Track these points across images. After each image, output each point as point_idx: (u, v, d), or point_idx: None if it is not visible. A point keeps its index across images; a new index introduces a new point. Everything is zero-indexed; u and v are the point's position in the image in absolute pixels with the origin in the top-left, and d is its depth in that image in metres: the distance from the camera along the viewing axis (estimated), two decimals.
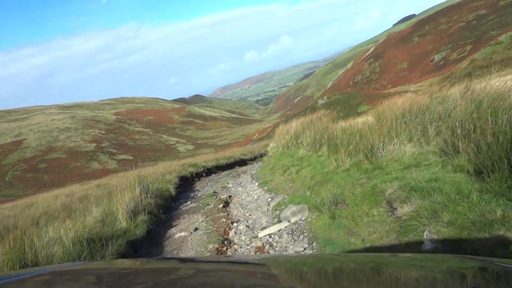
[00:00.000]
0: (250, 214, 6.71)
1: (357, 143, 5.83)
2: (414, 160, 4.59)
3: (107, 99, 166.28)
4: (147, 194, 7.47)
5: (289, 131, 12.54)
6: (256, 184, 9.73)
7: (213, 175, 16.13)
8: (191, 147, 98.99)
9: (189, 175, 14.52)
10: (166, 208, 8.65)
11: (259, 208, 6.90)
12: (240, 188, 10.35)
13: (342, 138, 6.77)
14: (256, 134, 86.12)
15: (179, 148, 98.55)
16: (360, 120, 11.21)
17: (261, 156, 21.10)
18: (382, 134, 5.36)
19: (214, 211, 7.27)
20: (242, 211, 7.08)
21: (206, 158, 19.48)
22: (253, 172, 14.51)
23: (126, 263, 2.41)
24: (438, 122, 5.25)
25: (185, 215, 7.73)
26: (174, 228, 6.77)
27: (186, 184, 13.38)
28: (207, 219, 6.62)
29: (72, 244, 4.17)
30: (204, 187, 12.89)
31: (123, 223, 5.49)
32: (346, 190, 4.82)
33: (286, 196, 6.55)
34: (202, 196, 10.16)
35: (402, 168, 4.50)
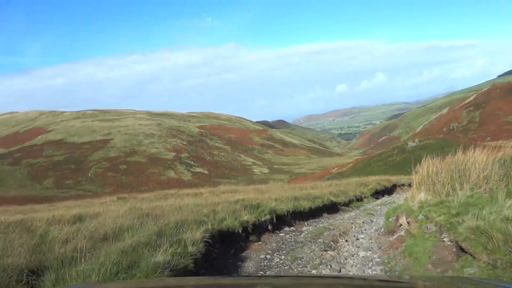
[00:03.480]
0: None
1: None
2: None
3: (194, 112, 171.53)
4: None
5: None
6: None
7: (286, 229, 9.56)
8: (266, 170, 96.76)
9: (238, 230, 7.49)
10: None
11: None
12: None
13: None
14: (335, 168, 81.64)
15: (255, 170, 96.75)
16: None
17: (358, 200, 16.29)
18: None
19: None
20: None
21: (280, 194, 12.34)
22: (365, 240, 8.05)
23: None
24: None
25: None
26: None
27: (227, 249, 6.97)
28: None
29: None
30: (262, 270, 6.23)
31: None
32: None
33: None
34: None
35: None
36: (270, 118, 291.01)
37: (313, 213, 11.66)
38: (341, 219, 11.47)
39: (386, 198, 19.22)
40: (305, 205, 11.19)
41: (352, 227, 9.78)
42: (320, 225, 10.39)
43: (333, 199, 13.70)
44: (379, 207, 14.53)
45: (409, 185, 25.70)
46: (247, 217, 8.09)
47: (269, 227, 9.04)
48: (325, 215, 12.34)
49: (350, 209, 14.47)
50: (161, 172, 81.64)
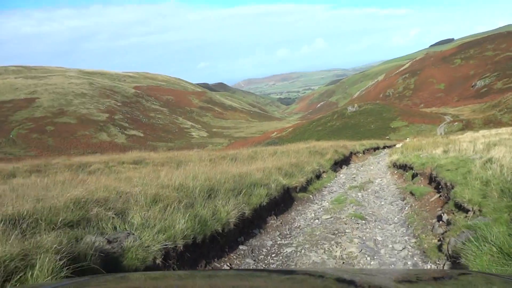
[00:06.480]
0: None
1: None
2: None
3: (130, 72, 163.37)
4: None
5: None
6: None
7: None
8: (205, 134, 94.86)
9: None
10: None
11: None
12: None
13: None
14: (275, 132, 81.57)
15: (193, 133, 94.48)
16: None
17: (317, 177, 11.84)
18: None
19: None
20: None
21: (190, 173, 6.63)
22: None
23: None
24: None
25: None
26: None
27: None
28: None
29: None
30: None
31: None
32: None
33: None
34: None
35: None
36: (210, 81, 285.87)
37: (248, 225, 6.02)
38: (307, 238, 5.91)
39: (346, 170, 15.36)
40: (228, 211, 5.21)
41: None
42: (261, 255, 5.24)
43: (285, 181, 8.49)
44: (358, 193, 9.83)
45: (363, 152, 24.07)
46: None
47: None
48: (273, 221, 6.94)
49: (310, 195, 9.63)
50: (93, 134, 77.09)
